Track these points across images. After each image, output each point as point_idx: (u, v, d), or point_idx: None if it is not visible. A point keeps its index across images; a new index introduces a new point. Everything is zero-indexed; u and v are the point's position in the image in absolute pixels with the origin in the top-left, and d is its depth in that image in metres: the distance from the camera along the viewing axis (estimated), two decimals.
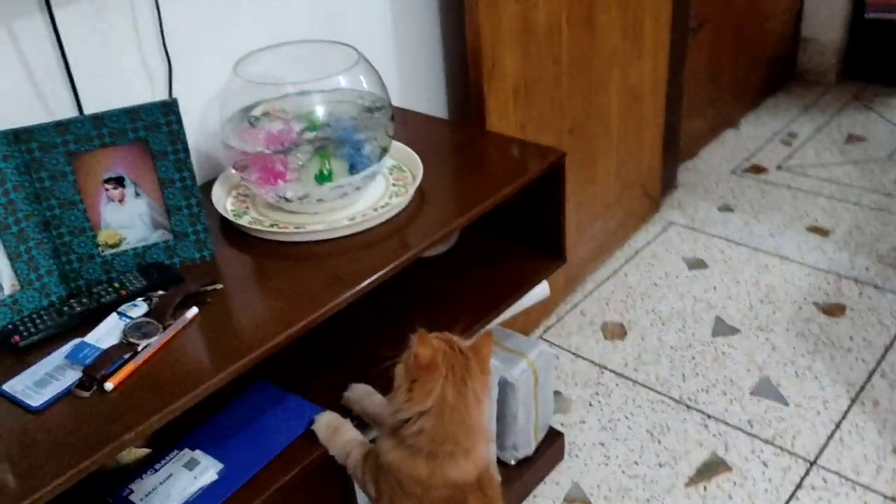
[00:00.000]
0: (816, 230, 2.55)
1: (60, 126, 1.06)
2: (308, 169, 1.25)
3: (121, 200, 1.14)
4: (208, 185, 1.37)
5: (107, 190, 1.13)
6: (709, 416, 1.91)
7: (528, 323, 2.17)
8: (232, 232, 1.29)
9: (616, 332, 2.20)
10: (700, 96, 2.93)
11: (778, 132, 3.17)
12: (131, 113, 1.09)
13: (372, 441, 1.18)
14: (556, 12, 1.87)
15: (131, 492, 1.10)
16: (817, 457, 1.78)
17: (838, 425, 1.85)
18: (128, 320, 1.07)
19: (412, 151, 1.41)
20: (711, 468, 1.78)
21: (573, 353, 2.14)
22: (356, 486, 1.24)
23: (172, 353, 1.03)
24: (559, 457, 1.81)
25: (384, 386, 1.16)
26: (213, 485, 1.11)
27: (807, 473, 1.75)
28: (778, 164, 2.95)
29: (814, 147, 3.04)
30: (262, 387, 1.27)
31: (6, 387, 0.98)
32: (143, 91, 1.32)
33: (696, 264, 2.44)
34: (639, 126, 2.41)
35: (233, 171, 1.34)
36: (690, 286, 2.35)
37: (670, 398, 1.97)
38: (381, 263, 1.18)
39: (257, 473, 1.13)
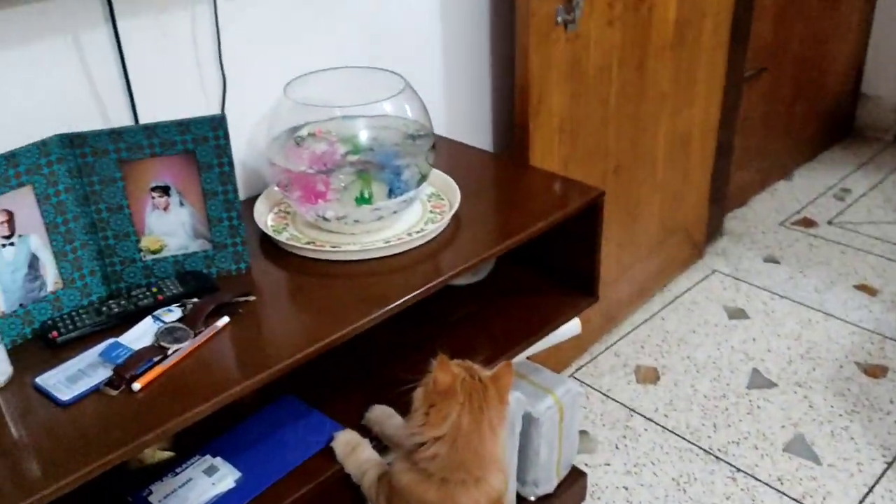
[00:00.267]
0: (864, 288, 2.50)
1: (114, 134, 1.11)
2: (349, 191, 1.28)
3: (165, 208, 1.18)
4: (252, 200, 1.41)
5: (153, 198, 1.17)
6: (738, 470, 1.87)
7: (560, 360, 2.16)
8: (270, 247, 1.33)
9: (649, 375, 2.18)
10: (753, 145, 2.91)
11: (831, 187, 3.12)
12: (181, 125, 1.13)
13: (389, 463, 1.19)
14: (607, 54, 1.89)
15: (150, 492, 1.13)
16: None
17: (871, 489, 1.80)
18: (161, 324, 1.11)
19: (451, 180, 1.43)
20: None
21: (603, 394, 2.12)
22: None
23: (200, 359, 1.06)
24: (580, 497, 1.79)
25: (405, 409, 1.17)
26: (230, 492, 1.13)
27: None
28: (829, 219, 2.90)
29: (867, 204, 2.98)
30: (288, 401, 1.29)
31: (39, 380, 1.01)
32: (197, 106, 1.37)
33: (737, 314, 2.41)
34: (686, 171, 2.41)
35: (276, 188, 1.38)
36: (729, 336, 2.32)
37: (699, 448, 1.94)
38: (412, 287, 1.19)
39: (273, 485, 1.14)
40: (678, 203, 2.44)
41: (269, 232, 1.33)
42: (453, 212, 1.35)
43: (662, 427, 2.00)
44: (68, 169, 1.10)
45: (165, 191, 1.17)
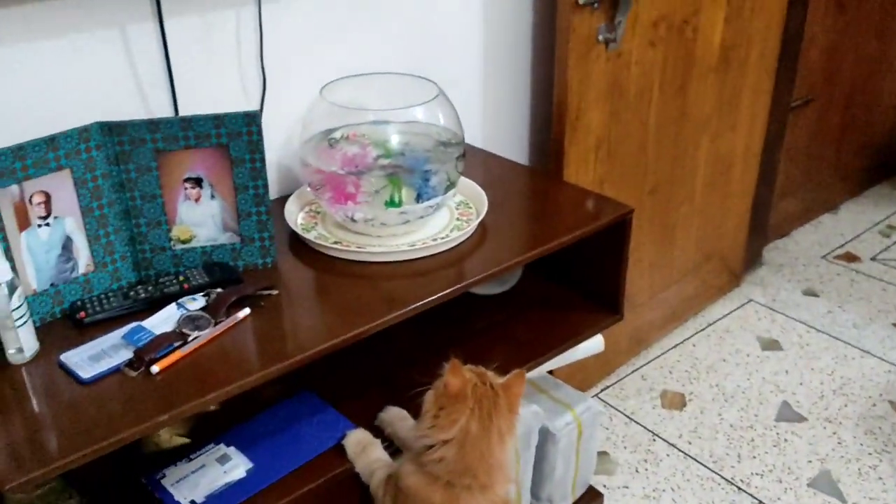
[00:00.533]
0: None
1: (152, 124, 1.15)
2: (380, 194, 1.30)
3: (197, 200, 1.21)
4: (285, 199, 1.43)
5: (186, 189, 1.20)
6: (759, 502, 1.83)
7: (585, 379, 2.15)
8: (298, 245, 1.35)
9: (675, 401, 2.15)
10: (798, 175, 2.87)
11: (878, 222, 3.06)
12: (216, 119, 1.16)
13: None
14: (648, 75, 1.89)
15: (164, 476, 1.15)
16: None
17: None
18: (185, 311, 1.13)
19: (481, 189, 1.44)
20: None
21: (627, 417, 2.10)
22: None
23: (219, 347, 1.09)
24: None
25: (419, 412, 1.18)
26: (240, 482, 1.15)
27: None
28: (872, 255, 2.84)
29: None
30: (306, 396, 1.31)
31: (63, 357, 1.05)
32: (237, 104, 1.40)
33: (771, 345, 2.37)
34: (726, 197, 2.38)
35: (308, 188, 1.41)
36: (761, 366, 2.28)
37: (721, 477, 1.91)
38: (433, 290, 1.21)
39: (283, 478, 1.16)
40: (716, 229, 2.42)
41: (298, 230, 1.35)
42: (479, 220, 1.36)
43: (685, 454, 1.98)
44: (106, 156, 1.14)
45: (198, 182, 1.20)
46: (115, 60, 1.25)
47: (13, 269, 1.05)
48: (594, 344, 1.56)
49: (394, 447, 1.23)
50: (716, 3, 1.99)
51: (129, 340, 1.07)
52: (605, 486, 1.87)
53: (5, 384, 1.02)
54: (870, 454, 1.96)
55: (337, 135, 1.37)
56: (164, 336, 1.07)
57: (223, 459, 1.18)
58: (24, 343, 1.04)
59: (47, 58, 1.18)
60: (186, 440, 1.22)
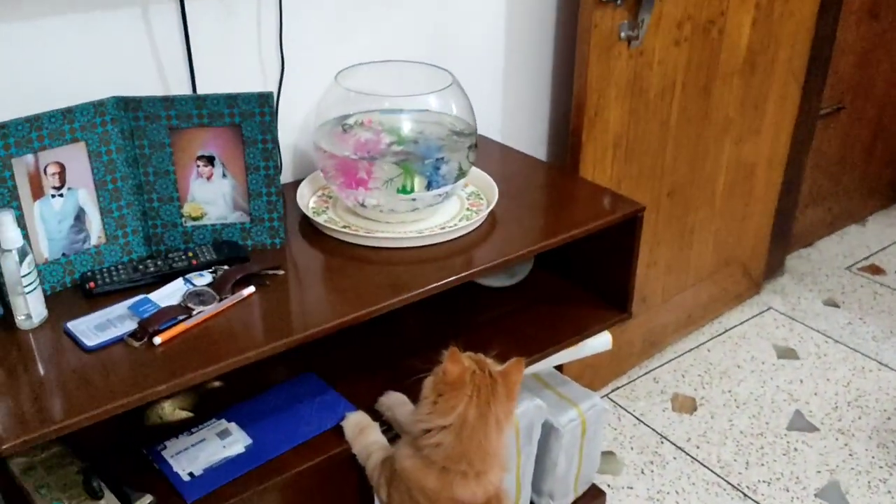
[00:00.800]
0: None
1: (166, 101, 1.16)
2: (392, 181, 1.31)
3: (209, 178, 1.23)
4: (298, 182, 1.45)
5: (198, 166, 1.22)
6: None
7: (596, 378, 2.14)
8: (308, 228, 1.36)
9: (686, 405, 2.14)
10: (825, 185, 2.83)
11: None
12: (230, 99, 1.18)
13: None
14: (670, 75, 1.87)
15: (165, 447, 1.17)
16: None
17: None
18: (191, 286, 1.15)
19: (492, 180, 1.44)
20: None
21: (636, 418, 2.09)
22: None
23: (221, 323, 1.10)
24: None
25: (417, 397, 1.19)
26: (239, 457, 1.16)
27: None
28: None
29: None
30: (308, 378, 1.32)
31: (70, 325, 1.07)
32: (255, 86, 1.42)
33: (787, 354, 2.34)
34: (746, 203, 2.36)
35: (321, 173, 1.42)
36: (775, 374, 2.25)
37: (728, 483, 1.89)
38: (438, 277, 1.21)
39: (280, 455, 1.17)
40: (736, 235, 2.39)
41: (309, 213, 1.36)
42: (489, 210, 1.36)
43: (692, 458, 1.96)
44: (121, 130, 1.16)
45: (210, 161, 1.22)
46: (137, 38, 1.27)
47: (26, 237, 1.07)
48: (601, 341, 1.55)
49: (392, 432, 1.24)
50: (743, 6, 1.97)
51: (135, 311, 1.09)
52: (609, 485, 1.86)
53: (13, 348, 1.04)
54: (881, 467, 1.93)
55: (351, 121, 1.38)
56: (169, 309, 1.09)
57: (223, 434, 1.20)
58: (33, 309, 1.07)
59: (69, 34, 1.20)
60: (189, 414, 1.23)
